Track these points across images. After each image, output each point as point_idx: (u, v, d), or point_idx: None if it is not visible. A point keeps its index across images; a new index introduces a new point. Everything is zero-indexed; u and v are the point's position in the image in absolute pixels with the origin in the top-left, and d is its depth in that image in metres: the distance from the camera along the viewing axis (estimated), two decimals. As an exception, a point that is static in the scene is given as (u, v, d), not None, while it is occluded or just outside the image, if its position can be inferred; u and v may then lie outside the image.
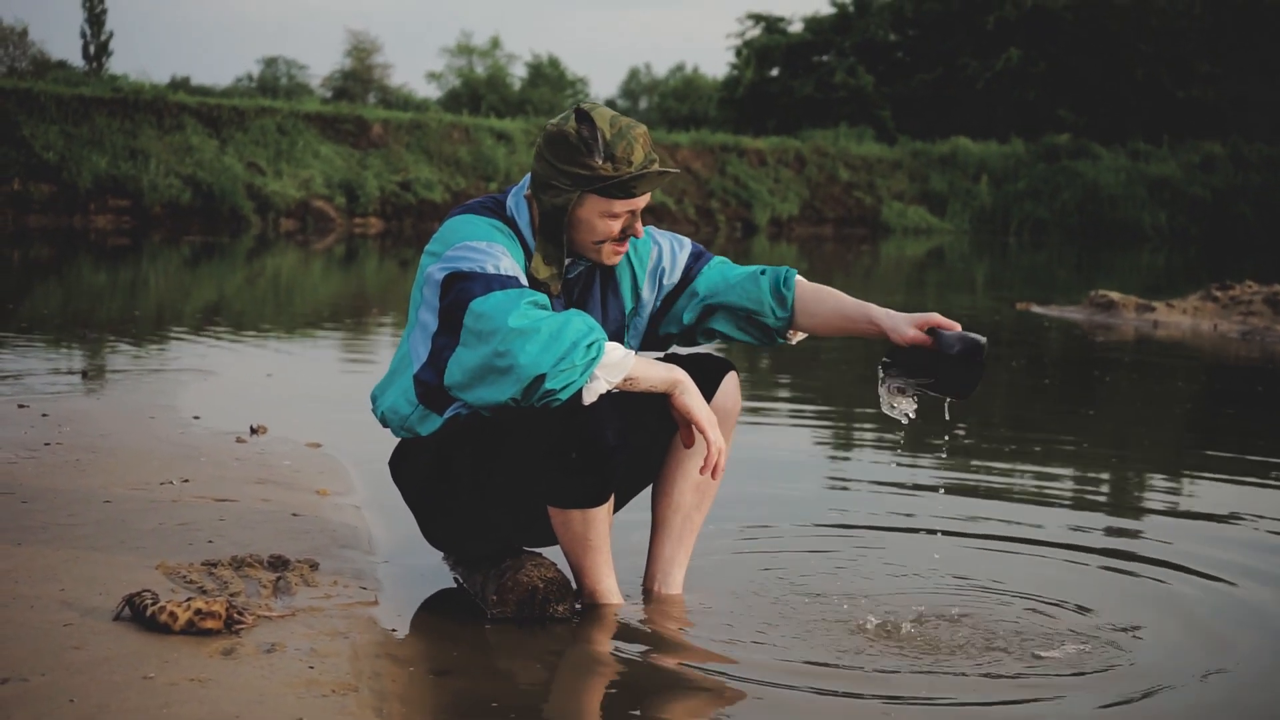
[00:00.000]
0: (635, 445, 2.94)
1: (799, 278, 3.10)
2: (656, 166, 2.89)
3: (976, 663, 2.74)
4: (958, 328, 2.89)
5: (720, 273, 3.13)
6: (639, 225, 2.96)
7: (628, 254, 3.09)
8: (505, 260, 2.82)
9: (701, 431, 2.80)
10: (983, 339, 2.86)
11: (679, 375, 2.80)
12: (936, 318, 2.89)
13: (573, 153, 2.84)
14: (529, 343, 2.64)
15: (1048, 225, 34.48)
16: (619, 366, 2.72)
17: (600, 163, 2.84)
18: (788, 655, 2.75)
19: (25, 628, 2.52)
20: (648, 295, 3.11)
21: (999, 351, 9.15)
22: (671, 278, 3.12)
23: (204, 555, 3.13)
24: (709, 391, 3.05)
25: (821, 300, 3.06)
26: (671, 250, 3.13)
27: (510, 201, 2.99)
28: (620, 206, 2.88)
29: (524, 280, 2.82)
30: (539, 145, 2.94)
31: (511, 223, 2.95)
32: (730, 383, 3.10)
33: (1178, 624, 3.08)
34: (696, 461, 3.08)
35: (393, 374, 3.00)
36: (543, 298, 2.76)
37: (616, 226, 2.91)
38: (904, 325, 2.90)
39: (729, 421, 3.09)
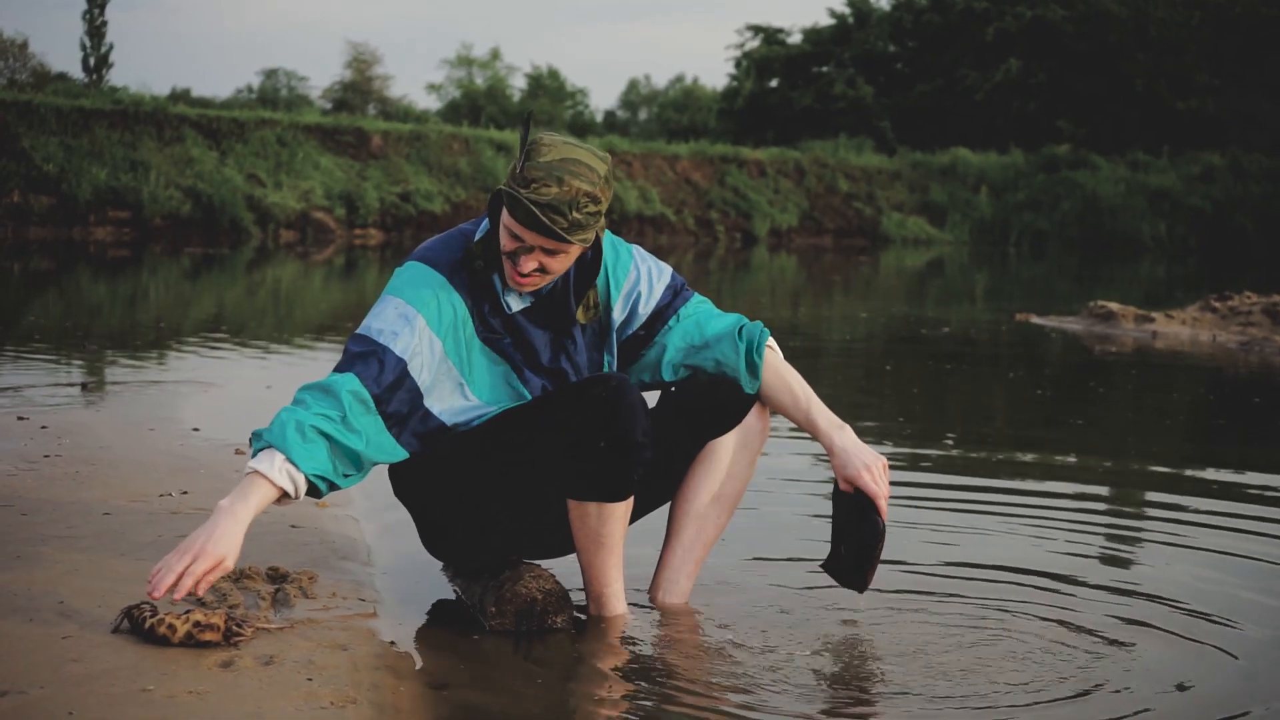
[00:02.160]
0: (658, 458, 2.95)
1: (768, 351, 3.04)
2: (553, 220, 2.73)
3: (993, 683, 2.72)
4: (882, 504, 2.92)
5: (696, 325, 3.04)
6: (526, 264, 2.81)
7: (605, 270, 3.01)
8: (405, 336, 2.80)
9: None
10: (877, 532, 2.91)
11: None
12: (867, 483, 2.92)
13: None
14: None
15: (1047, 236, 34.53)
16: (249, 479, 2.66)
17: (516, 170, 2.78)
18: (793, 676, 2.74)
19: (24, 640, 2.52)
20: (619, 314, 3.04)
21: (1000, 355, 9.15)
22: (646, 306, 3.04)
23: (203, 567, 3.12)
24: (737, 416, 3.05)
25: (777, 385, 3.04)
26: (649, 277, 3.05)
27: (480, 226, 2.95)
28: (507, 219, 2.80)
29: (411, 365, 2.80)
30: None
31: (468, 246, 2.91)
32: (759, 410, 3.10)
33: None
34: (716, 473, 3.08)
35: None
36: (356, 404, 2.73)
37: (508, 243, 2.82)
38: (842, 466, 2.96)
39: (754, 445, 3.10)
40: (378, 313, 2.86)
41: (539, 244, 2.78)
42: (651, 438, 2.81)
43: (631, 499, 2.90)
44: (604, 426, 2.75)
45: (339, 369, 2.78)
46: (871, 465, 2.93)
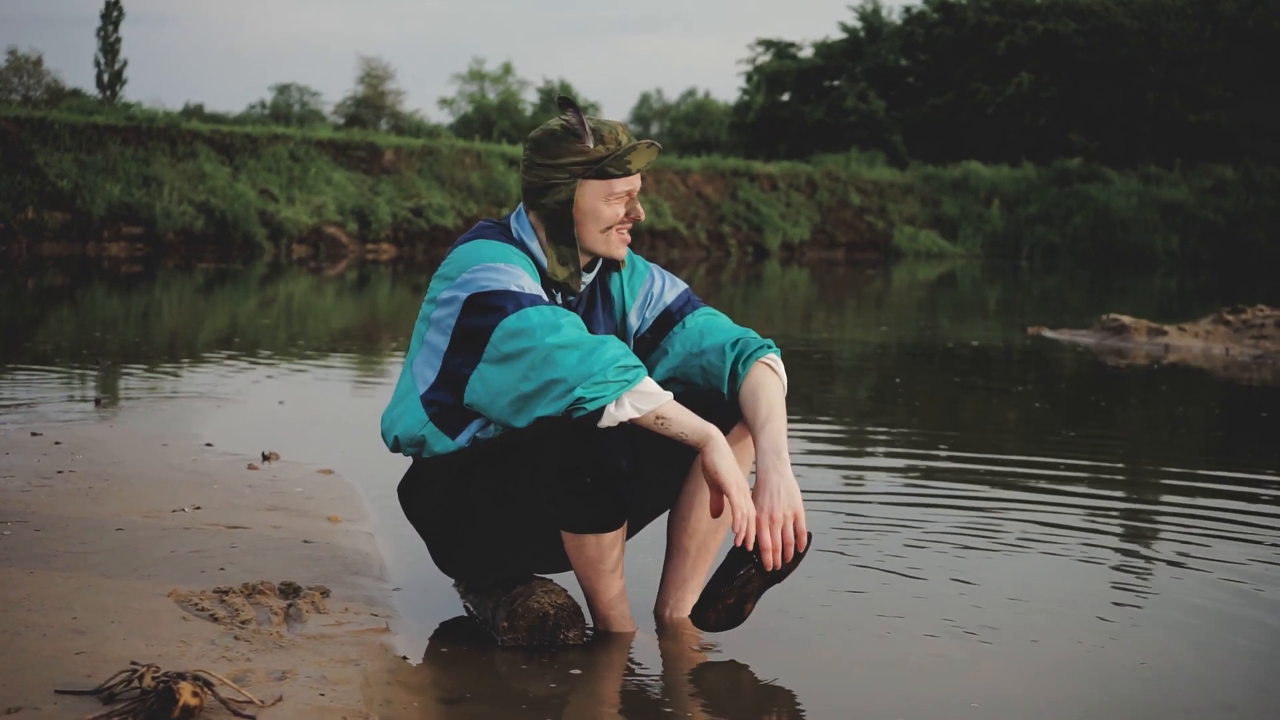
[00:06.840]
0: (650, 472, 2.95)
1: (759, 365, 2.95)
2: (643, 143, 2.96)
3: (1003, 699, 2.72)
4: (766, 556, 2.71)
5: (700, 332, 3.05)
6: (639, 208, 3.02)
7: (621, 280, 3.10)
8: (526, 280, 2.84)
9: (728, 496, 2.70)
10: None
11: (714, 431, 2.72)
12: (759, 533, 2.72)
13: (566, 143, 2.92)
14: (568, 356, 2.67)
15: (1059, 249, 34.50)
16: (651, 397, 2.70)
17: (593, 145, 2.91)
18: (803, 693, 2.74)
19: (38, 656, 2.53)
20: (634, 321, 3.11)
21: (1011, 372, 9.13)
22: (655, 309, 3.10)
23: (216, 583, 3.14)
24: (726, 424, 3.01)
25: (746, 398, 2.92)
26: (663, 284, 3.13)
27: (514, 224, 3.02)
28: (620, 186, 2.94)
29: (546, 299, 2.83)
30: (526, 156, 2.99)
31: (521, 245, 2.97)
32: None
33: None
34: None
35: (399, 400, 2.98)
36: (577, 319, 2.78)
37: (620, 209, 2.96)
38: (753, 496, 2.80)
39: (747, 456, 3.05)
40: (478, 277, 2.84)
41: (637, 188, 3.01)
42: (636, 461, 2.76)
43: (626, 524, 2.89)
44: (589, 461, 2.72)
45: (512, 313, 2.76)
46: (775, 514, 2.73)
